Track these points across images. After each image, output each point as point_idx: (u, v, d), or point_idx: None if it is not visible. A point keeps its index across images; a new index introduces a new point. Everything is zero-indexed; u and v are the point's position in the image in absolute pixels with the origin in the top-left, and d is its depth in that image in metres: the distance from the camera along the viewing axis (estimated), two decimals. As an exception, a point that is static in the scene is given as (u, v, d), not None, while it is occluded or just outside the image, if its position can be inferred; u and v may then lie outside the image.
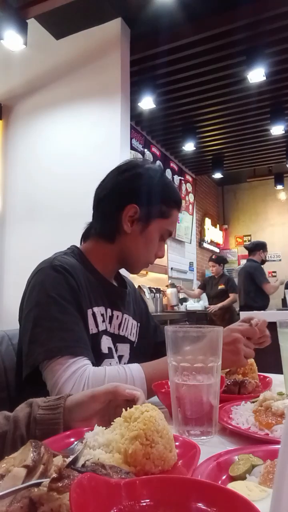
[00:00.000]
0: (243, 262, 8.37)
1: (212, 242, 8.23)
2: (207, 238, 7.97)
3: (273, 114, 5.02)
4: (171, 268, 6.33)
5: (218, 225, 8.71)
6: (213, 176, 7.25)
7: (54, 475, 0.38)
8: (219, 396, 0.71)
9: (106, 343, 1.03)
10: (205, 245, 7.87)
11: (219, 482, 0.49)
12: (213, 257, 5.75)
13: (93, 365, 0.91)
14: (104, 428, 0.57)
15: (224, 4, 3.42)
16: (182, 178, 6.79)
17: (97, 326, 1.01)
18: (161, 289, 5.56)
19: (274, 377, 1.09)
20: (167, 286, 5.80)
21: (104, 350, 1.02)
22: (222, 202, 9.16)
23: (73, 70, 3.81)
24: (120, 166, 1.13)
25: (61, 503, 0.37)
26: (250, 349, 0.95)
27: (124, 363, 1.08)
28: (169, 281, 6.08)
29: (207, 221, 8.06)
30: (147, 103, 4.30)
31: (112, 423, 0.57)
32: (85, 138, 3.69)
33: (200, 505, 0.37)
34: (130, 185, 1.08)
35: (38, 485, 0.38)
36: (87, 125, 3.70)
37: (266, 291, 4.70)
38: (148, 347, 1.22)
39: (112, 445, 0.53)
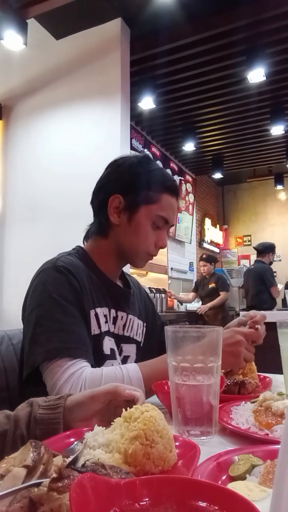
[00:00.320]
0: (243, 262, 8.41)
1: (212, 242, 8.23)
2: (207, 238, 7.97)
3: (273, 114, 5.02)
4: (171, 268, 6.34)
5: (218, 225, 8.71)
6: (213, 176, 7.25)
7: (54, 475, 0.38)
8: (219, 396, 0.71)
9: (108, 344, 1.03)
10: (205, 245, 7.87)
11: (219, 482, 0.49)
12: (204, 256, 5.70)
13: (92, 367, 0.91)
14: (104, 428, 0.57)
15: (224, 4, 3.42)
16: (182, 178, 6.79)
17: (99, 327, 1.01)
18: (163, 289, 5.53)
19: (274, 377, 1.09)
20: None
21: (106, 351, 1.02)
22: (222, 202, 9.16)
23: (73, 70, 3.81)
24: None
25: (61, 503, 0.37)
26: (250, 353, 0.94)
27: None
28: (169, 281, 6.08)
29: (207, 221, 8.06)
30: (147, 103, 4.30)
31: (112, 423, 0.57)
32: (85, 138, 3.69)
33: (200, 505, 0.37)
34: (111, 176, 1.10)
35: (38, 485, 0.38)
36: (87, 125, 3.71)
37: (273, 294, 4.79)
38: (155, 346, 1.21)
39: (112, 445, 0.53)
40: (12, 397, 1.06)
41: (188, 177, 7.09)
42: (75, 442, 0.57)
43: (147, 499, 0.38)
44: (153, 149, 5.83)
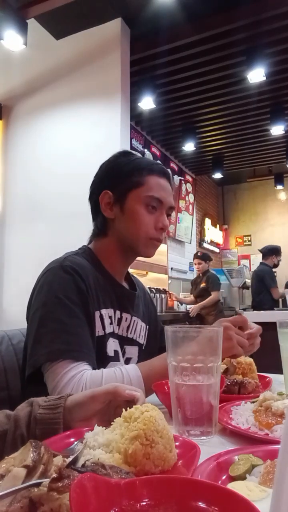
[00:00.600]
0: (243, 262, 8.42)
1: (212, 242, 8.23)
2: (207, 238, 7.96)
3: (273, 114, 5.02)
4: (171, 268, 6.33)
5: (218, 225, 8.71)
6: (213, 176, 7.25)
7: (54, 475, 0.38)
8: (219, 396, 0.71)
9: (112, 346, 1.03)
10: (205, 245, 7.86)
11: (219, 482, 0.49)
12: (199, 254, 5.53)
13: (94, 369, 0.91)
14: (104, 428, 0.57)
15: (224, 4, 3.42)
16: (182, 178, 6.79)
17: (104, 328, 1.01)
18: (163, 289, 5.52)
19: (274, 377, 1.09)
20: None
21: (110, 353, 1.02)
22: (222, 202, 9.16)
23: (73, 70, 3.81)
24: None
25: (61, 503, 0.37)
26: (242, 337, 0.93)
27: None
28: (169, 281, 6.07)
29: (207, 221, 8.06)
30: (147, 103, 4.30)
31: (112, 423, 0.57)
32: (85, 138, 3.69)
33: (200, 505, 0.37)
34: (97, 178, 1.14)
35: (38, 485, 0.38)
36: (87, 125, 3.70)
37: (273, 295, 5.01)
38: (155, 350, 1.20)
39: (112, 445, 0.53)
40: (12, 397, 1.06)
41: (188, 177, 7.09)
42: (75, 442, 0.57)
43: (147, 499, 0.38)
44: (153, 149, 5.83)
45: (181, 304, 6.03)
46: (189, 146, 5.69)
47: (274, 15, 3.41)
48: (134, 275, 1.27)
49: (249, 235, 8.78)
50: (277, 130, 5.21)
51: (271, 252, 5.19)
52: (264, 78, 4.00)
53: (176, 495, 0.38)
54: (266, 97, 4.72)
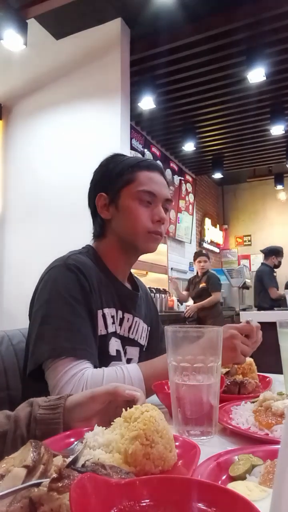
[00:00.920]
0: (243, 262, 8.43)
1: (212, 242, 8.23)
2: (207, 238, 7.96)
3: (273, 114, 5.03)
4: (171, 268, 6.33)
5: (218, 225, 8.71)
6: (213, 176, 7.25)
7: (54, 475, 0.38)
8: (219, 396, 0.71)
9: (114, 345, 1.03)
10: (205, 245, 7.86)
11: (219, 482, 0.49)
12: (204, 252, 5.28)
13: (96, 368, 0.91)
14: (104, 428, 0.57)
15: (224, 4, 3.42)
16: (182, 178, 6.79)
17: (106, 327, 1.01)
18: (163, 289, 5.52)
19: (274, 377, 1.09)
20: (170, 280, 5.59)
21: (112, 352, 1.02)
22: (222, 202, 9.16)
23: (73, 70, 3.81)
24: None
25: (61, 503, 0.37)
26: (247, 346, 0.93)
27: None
28: (169, 281, 6.06)
29: (207, 221, 8.06)
30: (147, 103, 4.30)
31: (112, 423, 0.57)
32: (85, 138, 3.69)
33: (200, 505, 0.37)
34: (91, 183, 1.16)
35: (38, 485, 0.38)
36: (87, 125, 3.71)
37: (271, 295, 5.09)
38: (154, 352, 1.20)
39: (112, 445, 0.53)
40: (12, 397, 1.06)
41: (188, 177, 7.09)
42: (75, 442, 0.57)
43: (147, 499, 0.38)
44: (153, 149, 5.83)
45: (181, 304, 6.01)
46: (189, 146, 5.69)
47: (274, 15, 3.41)
48: (134, 275, 1.27)
49: (249, 235, 8.78)
50: (277, 130, 5.21)
51: (271, 252, 5.28)
52: (264, 78, 4.00)
53: (176, 495, 0.38)
54: (266, 97, 4.72)
